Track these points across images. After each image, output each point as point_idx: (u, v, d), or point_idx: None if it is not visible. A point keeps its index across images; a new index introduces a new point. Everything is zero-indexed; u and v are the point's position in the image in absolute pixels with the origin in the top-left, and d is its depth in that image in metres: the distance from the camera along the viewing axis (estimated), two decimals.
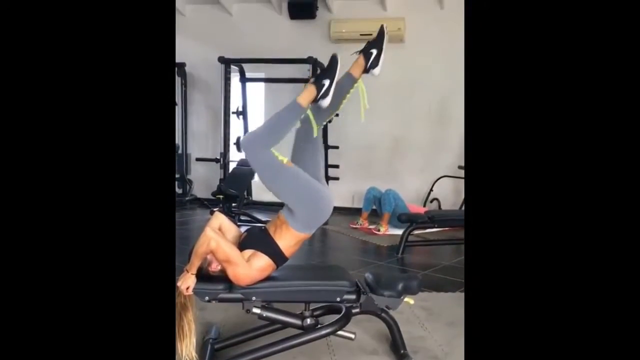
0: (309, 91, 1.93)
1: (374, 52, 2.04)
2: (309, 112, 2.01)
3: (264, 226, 1.99)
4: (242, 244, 1.90)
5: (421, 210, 4.95)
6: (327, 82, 1.93)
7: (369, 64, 2.06)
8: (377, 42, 2.07)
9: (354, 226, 4.99)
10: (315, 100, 1.94)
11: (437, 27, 5.67)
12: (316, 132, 2.02)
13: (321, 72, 1.97)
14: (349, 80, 2.08)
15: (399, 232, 4.31)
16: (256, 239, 1.91)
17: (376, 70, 2.06)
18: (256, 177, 5.61)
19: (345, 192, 5.75)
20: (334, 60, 1.97)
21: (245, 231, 2.02)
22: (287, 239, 1.88)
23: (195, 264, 1.78)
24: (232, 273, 1.78)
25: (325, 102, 1.94)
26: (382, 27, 2.08)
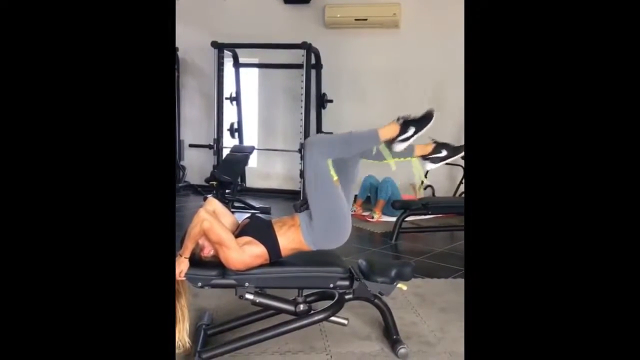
0: (392, 129, 1.92)
1: (443, 153, 2.05)
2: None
3: (271, 220, 1.99)
4: (242, 231, 1.90)
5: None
6: (411, 131, 1.93)
7: (430, 157, 2.06)
8: (452, 149, 2.07)
9: None
10: (392, 141, 1.94)
11: (433, 13, 5.63)
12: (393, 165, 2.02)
13: (413, 119, 1.96)
14: (409, 151, 2.06)
15: (393, 219, 4.32)
16: (258, 229, 1.91)
17: (429, 166, 2.08)
18: (250, 164, 5.60)
19: None
20: (429, 114, 1.97)
21: (247, 218, 2.02)
22: (290, 241, 1.88)
23: (188, 247, 1.77)
24: (223, 256, 1.78)
25: (400, 147, 1.94)
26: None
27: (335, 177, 1.87)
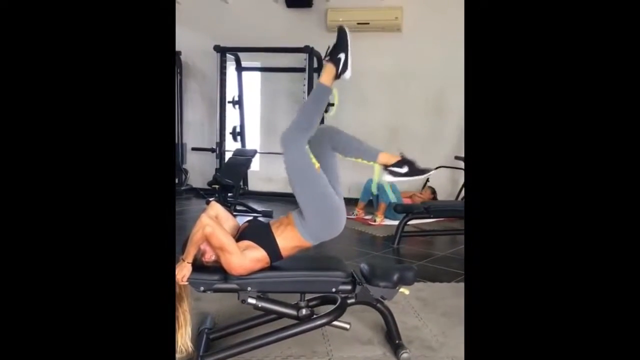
0: (329, 70, 1.91)
1: (404, 169, 1.99)
2: None
3: (268, 221, 1.98)
4: (242, 235, 1.90)
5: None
6: (342, 56, 1.90)
7: (390, 169, 2.00)
8: (415, 170, 2.00)
9: (349, 217, 4.97)
10: (338, 76, 1.92)
11: (435, 16, 5.63)
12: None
13: (333, 48, 1.94)
14: (372, 155, 2.05)
15: (394, 222, 4.31)
16: (256, 232, 1.91)
17: (387, 177, 2.02)
18: (252, 167, 5.60)
19: (341, 182, 5.73)
20: (342, 32, 1.94)
21: (247, 222, 2.02)
22: (288, 240, 1.88)
23: (191, 252, 1.78)
24: (225, 261, 1.78)
25: (347, 75, 1.92)
26: None
27: (317, 165, 1.87)
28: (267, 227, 1.93)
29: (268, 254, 1.85)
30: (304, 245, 1.91)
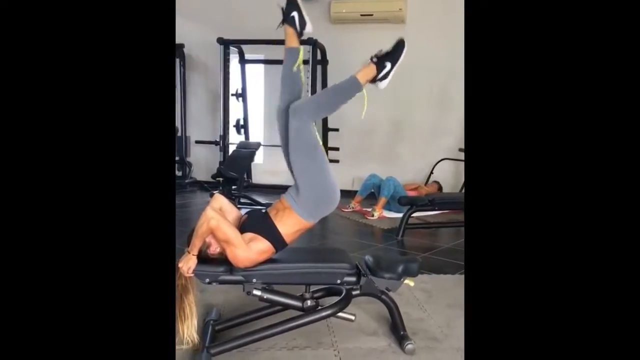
0: (370, 69, 1.91)
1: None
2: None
3: (266, 209, 1.98)
4: (243, 227, 1.90)
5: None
6: (389, 65, 1.93)
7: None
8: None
9: (346, 209, 4.96)
10: (373, 81, 1.93)
11: (439, 8, 5.59)
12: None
13: (385, 53, 1.95)
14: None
15: (398, 215, 4.31)
16: (257, 222, 1.91)
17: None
18: (255, 160, 5.60)
19: (345, 174, 5.74)
20: (400, 44, 1.96)
21: (246, 214, 2.02)
22: (289, 225, 1.88)
23: (196, 244, 1.78)
24: (231, 254, 1.79)
25: (383, 84, 1.93)
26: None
27: (321, 142, 1.88)
28: (266, 216, 1.92)
29: (272, 243, 1.85)
30: (305, 227, 1.91)
